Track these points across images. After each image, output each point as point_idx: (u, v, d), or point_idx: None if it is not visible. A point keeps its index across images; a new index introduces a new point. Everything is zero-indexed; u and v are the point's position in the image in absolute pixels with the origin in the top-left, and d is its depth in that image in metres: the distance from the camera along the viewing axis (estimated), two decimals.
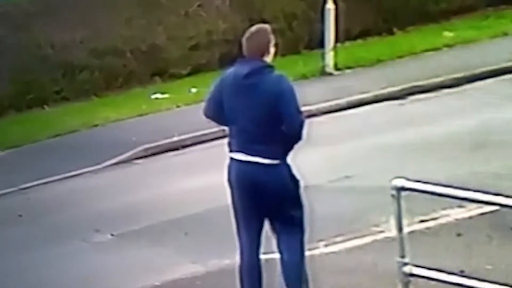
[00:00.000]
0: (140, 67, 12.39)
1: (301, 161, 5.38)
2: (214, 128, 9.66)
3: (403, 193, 4.38)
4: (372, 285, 5.29)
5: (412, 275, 4.50)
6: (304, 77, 11.11)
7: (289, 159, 4.91)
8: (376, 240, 6.02)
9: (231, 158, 4.99)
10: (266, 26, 5.00)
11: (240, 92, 4.86)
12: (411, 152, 8.14)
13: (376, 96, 10.44)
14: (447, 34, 12.66)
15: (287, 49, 11.83)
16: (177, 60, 12.55)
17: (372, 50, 12.34)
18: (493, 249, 5.64)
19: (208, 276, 5.84)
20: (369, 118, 9.81)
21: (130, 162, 9.39)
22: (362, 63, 11.88)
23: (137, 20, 12.39)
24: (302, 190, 4.92)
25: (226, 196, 6.98)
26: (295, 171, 4.90)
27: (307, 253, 4.99)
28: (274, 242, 4.96)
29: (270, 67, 4.89)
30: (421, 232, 5.98)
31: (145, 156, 9.53)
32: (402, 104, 10.21)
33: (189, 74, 12.49)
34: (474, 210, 6.11)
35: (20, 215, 7.98)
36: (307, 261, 4.94)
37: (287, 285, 4.90)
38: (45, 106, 11.79)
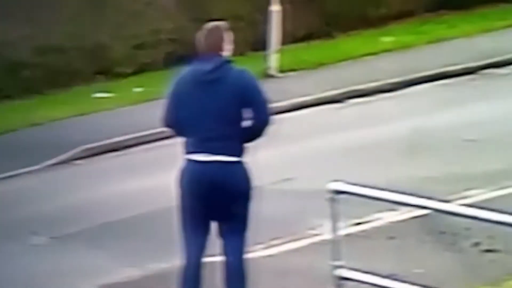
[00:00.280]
0: (84, 65, 12.24)
1: None
2: (157, 129, 9.61)
3: (340, 196, 4.43)
4: (308, 287, 5.34)
5: (344, 278, 4.56)
6: None
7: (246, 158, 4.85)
8: (312, 243, 6.08)
9: (188, 160, 4.89)
10: (223, 23, 4.98)
11: (201, 89, 4.81)
12: (349, 156, 8.24)
13: (317, 99, 10.54)
14: (386, 39, 12.84)
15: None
16: (122, 59, 12.43)
17: (315, 53, 12.45)
18: (424, 253, 5.74)
19: (145, 280, 5.80)
20: (310, 121, 9.90)
21: (70, 163, 9.25)
22: (305, 66, 11.98)
23: (82, 18, 12.23)
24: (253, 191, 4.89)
25: (166, 198, 6.96)
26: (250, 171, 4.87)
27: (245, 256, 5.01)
28: (215, 245, 4.95)
29: (231, 62, 4.87)
30: (355, 235, 6.05)
31: (86, 157, 9.40)
32: (342, 108, 10.33)
33: (133, 73, 12.38)
34: (407, 213, 6.21)
35: None
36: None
37: None
38: None
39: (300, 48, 12.75)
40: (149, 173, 8.28)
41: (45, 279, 6.10)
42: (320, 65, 12.01)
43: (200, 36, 4.91)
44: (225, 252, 4.91)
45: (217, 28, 4.93)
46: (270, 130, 4.85)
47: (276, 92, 10.91)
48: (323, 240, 5.75)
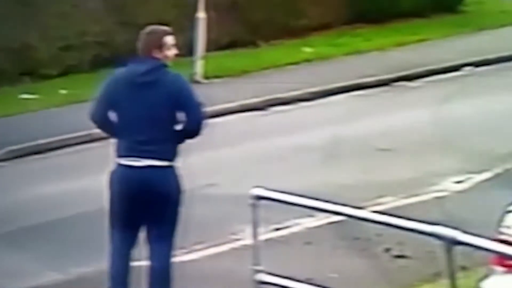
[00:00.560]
0: (10, 66, 11.94)
1: None
2: (82, 131, 9.50)
3: (261, 202, 4.50)
4: None
5: (263, 282, 4.63)
6: None
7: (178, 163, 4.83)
8: (233, 248, 6.13)
9: (119, 164, 4.84)
10: (163, 28, 4.93)
11: (135, 91, 4.75)
12: (270, 162, 8.34)
13: (240, 106, 10.61)
14: (306, 49, 13.05)
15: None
16: (48, 61, 12.20)
17: (239, 61, 12.53)
18: (338, 258, 5.88)
19: (67, 284, 5.73)
20: (234, 128, 9.96)
21: None
22: (230, 73, 12.04)
23: (9, 18, 11.94)
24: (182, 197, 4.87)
25: (90, 202, 6.89)
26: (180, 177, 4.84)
27: None
28: (142, 249, 4.93)
29: (166, 66, 4.82)
30: (275, 240, 6.14)
31: (10, 158, 9.15)
32: (265, 115, 10.45)
33: (59, 75, 12.18)
34: (323, 219, 6.34)
35: None
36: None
37: None
38: None
39: (225, 55, 12.81)
40: (74, 176, 8.16)
41: None
42: (244, 72, 12.11)
43: (139, 39, 4.89)
44: (151, 257, 4.89)
45: (153, 32, 4.90)
46: (202, 134, 4.88)
47: (201, 98, 10.98)
48: (245, 245, 5.82)
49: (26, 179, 8.52)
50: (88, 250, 5.78)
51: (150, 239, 4.90)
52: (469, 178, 7.60)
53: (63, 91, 11.29)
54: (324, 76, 11.53)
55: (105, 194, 4.98)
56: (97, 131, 5.33)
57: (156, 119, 4.74)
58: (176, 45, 4.96)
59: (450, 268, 3.50)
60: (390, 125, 9.38)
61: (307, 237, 6.26)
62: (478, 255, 3.85)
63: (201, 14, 11.75)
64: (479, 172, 7.70)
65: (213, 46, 12.39)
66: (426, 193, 7.23)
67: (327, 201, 4.32)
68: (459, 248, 3.45)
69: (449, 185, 7.47)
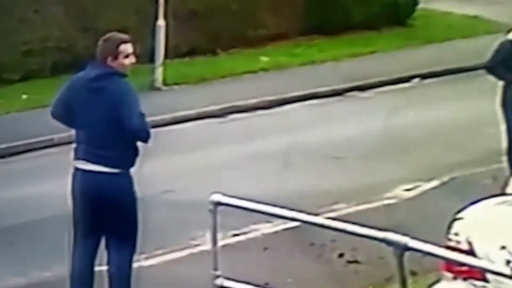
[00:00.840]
0: None
1: None
2: (44, 136, 9.40)
3: (220, 208, 4.53)
4: None
5: (222, 287, 4.66)
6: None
7: (132, 171, 4.80)
8: (193, 253, 6.13)
9: (75, 168, 4.84)
10: (120, 35, 4.90)
11: (87, 95, 4.78)
12: (229, 169, 8.36)
13: (199, 113, 10.61)
14: (264, 58, 13.13)
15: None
16: (10, 65, 12.02)
17: (198, 69, 12.54)
18: (294, 263, 5.93)
19: None
20: (192, 134, 9.96)
21: None
22: (189, 81, 12.03)
23: None
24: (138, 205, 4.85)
25: (52, 207, 6.82)
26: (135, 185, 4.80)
27: None
28: (104, 254, 4.92)
29: (119, 74, 4.80)
30: (233, 245, 6.17)
31: None
32: (222, 123, 10.47)
33: (20, 80, 12.01)
34: (280, 225, 6.39)
35: None
36: None
37: None
38: None
39: (184, 63, 12.80)
40: (36, 181, 8.06)
41: None
42: (203, 80, 12.12)
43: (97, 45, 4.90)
44: (110, 263, 4.88)
45: (110, 39, 4.89)
46: (150, 142, 4.84)
47: (160, 105, 10.96)
48: (204, 251, 5.84)
49: None
50: (50, 254, 5.72)
51: (109, 245, 4.88)
52: (417, 186, 7.75)
53: (25, 96, 11.13)
54: (281, 85, 11.61)
55: (68, 199, 4.96)
56: (59, 135, 5.33)
57: (103, 125, 4.74)
58: (135, 53, 4.96)
59: (401, 273, 3.55)
60: (344, 134, 9.49)
61: (265, 243, 6.30)
62: (428, 261, 3.94)
63: (161, 22, 11.73)
64: (428, 180, 7.86)
65: (173, 53, 12.37)
66: (378, 200, 7.35)
67: (284, 208, 4.37)
68: (409, 253, 3.51)
69: (399, 193, 7.60)
